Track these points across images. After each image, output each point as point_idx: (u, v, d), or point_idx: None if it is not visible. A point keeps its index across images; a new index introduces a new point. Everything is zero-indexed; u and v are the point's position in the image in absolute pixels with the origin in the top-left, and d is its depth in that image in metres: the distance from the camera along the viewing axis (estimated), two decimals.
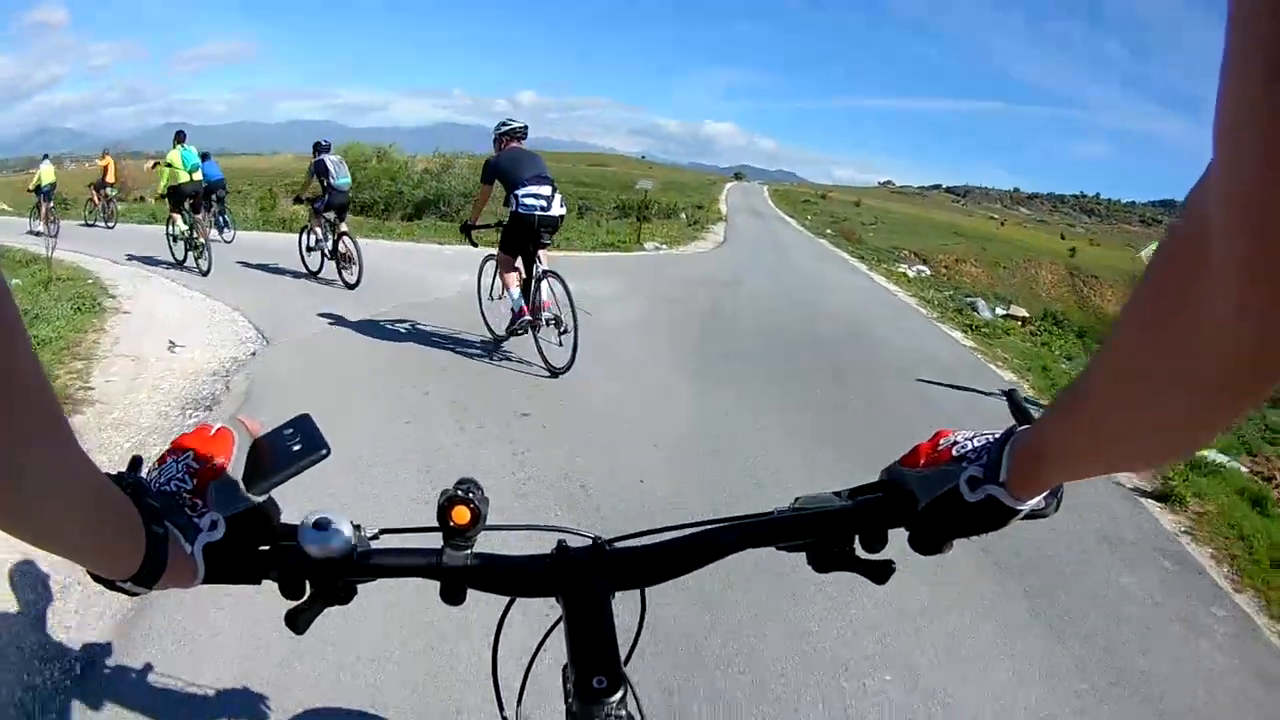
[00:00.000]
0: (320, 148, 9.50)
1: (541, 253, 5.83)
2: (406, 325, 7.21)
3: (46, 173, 15.49)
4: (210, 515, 0.64)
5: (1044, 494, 0.66)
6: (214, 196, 13.73)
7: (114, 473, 0.57)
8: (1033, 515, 0.68)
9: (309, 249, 9.97)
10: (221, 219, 14.27)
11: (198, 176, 10.85)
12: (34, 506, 0.45)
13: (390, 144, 31.20)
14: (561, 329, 5.70)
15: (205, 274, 9.83)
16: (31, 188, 15.87)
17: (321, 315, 7.42)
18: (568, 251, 14.40)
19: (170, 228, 10.76)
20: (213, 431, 0.68)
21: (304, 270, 10.06)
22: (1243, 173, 0.32)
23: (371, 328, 7.00)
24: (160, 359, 5.76)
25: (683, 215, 29.49)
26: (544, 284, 5.77)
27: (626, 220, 23.39)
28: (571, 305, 5.59)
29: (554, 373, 5.70)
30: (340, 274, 9.28)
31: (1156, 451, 0.55)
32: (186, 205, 10.37)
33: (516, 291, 5.87)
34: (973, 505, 0.67)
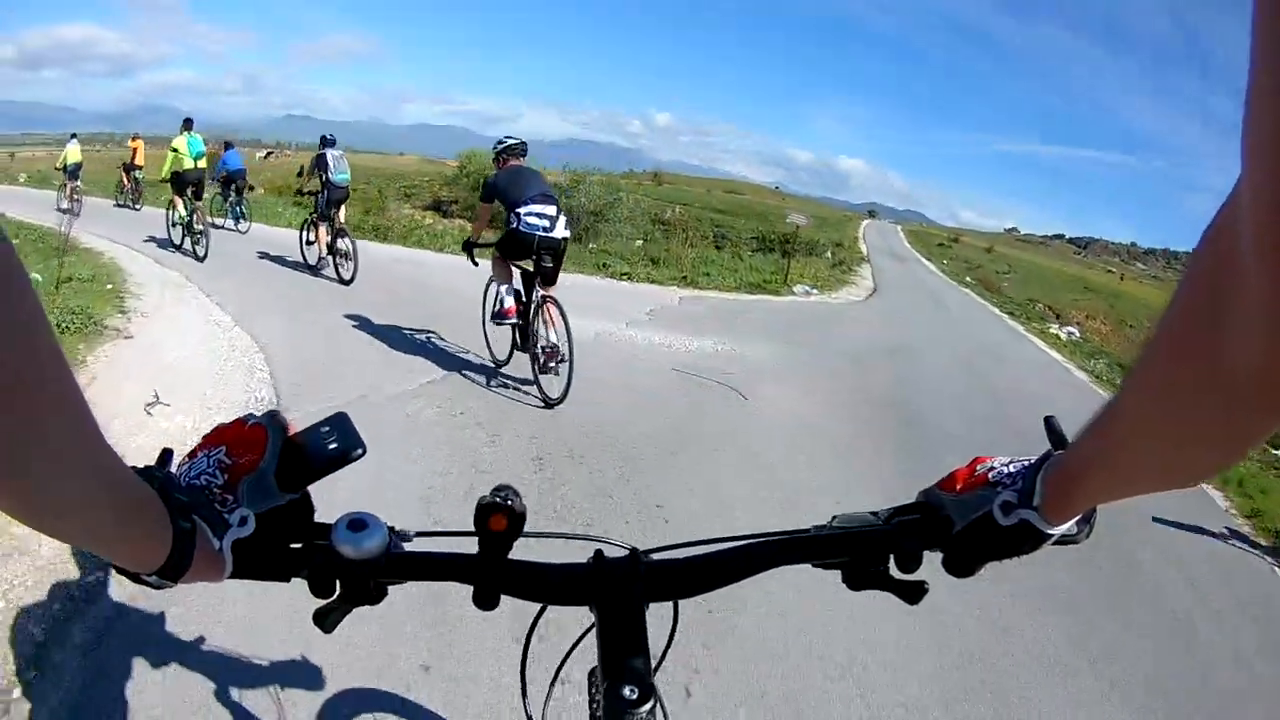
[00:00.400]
0: (325, 141, 9.56)
1: (551, 292, 5.43)
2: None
3: (72, 152, 16.03)
4: (241, 511, 0.63)
5: (1076, 519, 0.67)
6: (233, 186, 13.84)
7: (141, 466, 0.57)
8: (1064, 540, 0.70)
9: (308, 243, 10.09)
10: (239, 209, 13.99)
11: (201, 164, 11.06)
12: (60, 502, 0.45)
13: None
14: (558, 358, 5.34)
15: (201, 260, 9.97)
16: (58, 166, 16.50)
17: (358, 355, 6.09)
18: (714, 290, 13.30)
19: (171, 212, 11.00)
20: (248, 426, 0.67)
21: (306, 264, 10.13)
22: (1272, 188, 0.32)
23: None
24: (129, 422, 4.09)
25: (827, 254, 27.25)
26: (543, 310, 5.35)
27: (768, 255, 22.20)
28: (569, 338, 5.25)
29: (549, 404, 5.32)
30: (336, 270, 9.30)
31: (1189, 469, 0.54)
32: (189, 192, 10.59)
33: (504, 289, 5.56)
34: (1006, 530, 0.68)
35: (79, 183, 15.80)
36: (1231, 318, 0.40)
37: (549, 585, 0.71)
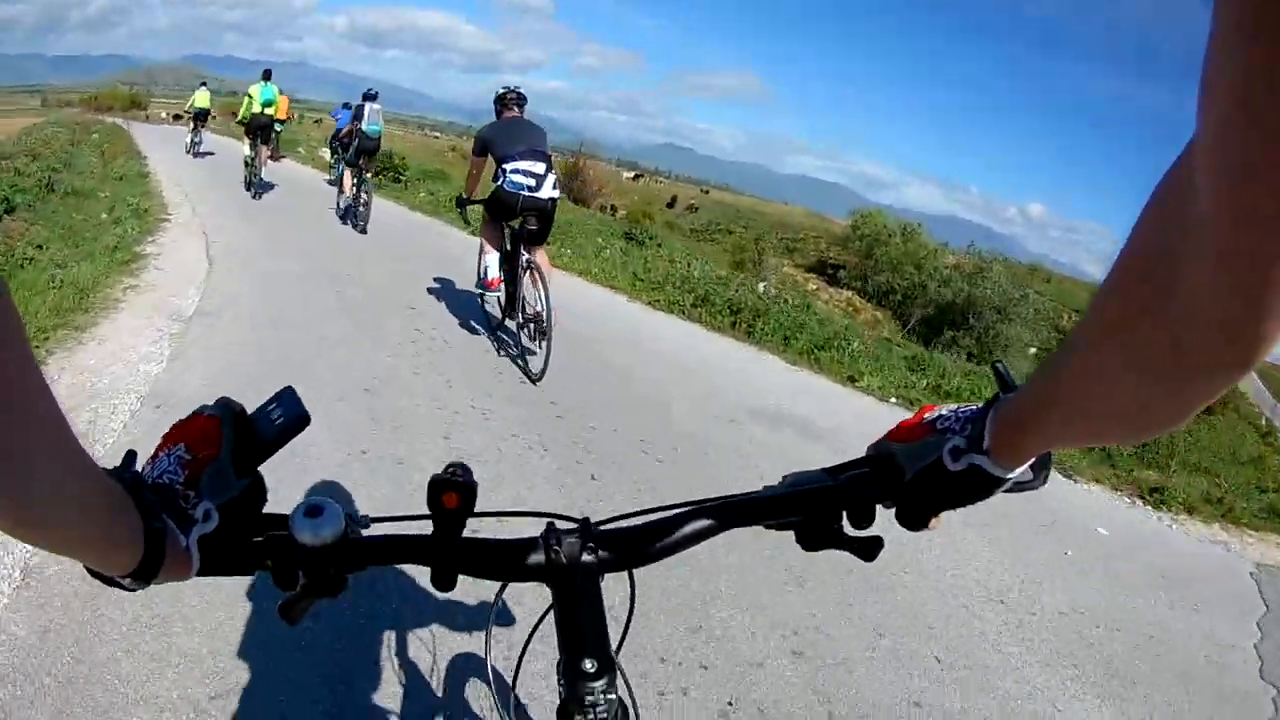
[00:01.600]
0: (367, 95, 10.10)
1: (538, 254, 5.15)
2: None
3: (200, 98, 17.96)
4: (204, 505, 0.63)
5: (1029, 464, 0.66)
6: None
7: (111, 468, 0.57)
8: (1019, 487, 0.69)
9: (339, 191, 11.03)
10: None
11: (269, 111, 12.47)
12: (39, 512, 0.46)
13: (917, 224, 27.68)
14: (540, 328, 4.91)
15: (255, 197, 11.79)
16: (187, 110, 18.80)
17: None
18: None
19: (246, 152, 12.36)
20: (204, 417, 0.67)
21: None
22: (1220, 127, 0.32)
23: None
24: None
25: None
26: (526, 276, 5.05)
27: None
28: (548, 306, 4.78)
29: (531, 379, 4.90)
30: (354, 218, 9.98)
31: (1138, 422, 0.53)
32: (257, 136, 12.17)
33: (490, 258, 5.37)
34: (956, 475, 0.67)
35: (204, 126, 18.35)
36: (1180, 265, 0.40)
37: (504, 562, 0.72)
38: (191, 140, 17.85)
